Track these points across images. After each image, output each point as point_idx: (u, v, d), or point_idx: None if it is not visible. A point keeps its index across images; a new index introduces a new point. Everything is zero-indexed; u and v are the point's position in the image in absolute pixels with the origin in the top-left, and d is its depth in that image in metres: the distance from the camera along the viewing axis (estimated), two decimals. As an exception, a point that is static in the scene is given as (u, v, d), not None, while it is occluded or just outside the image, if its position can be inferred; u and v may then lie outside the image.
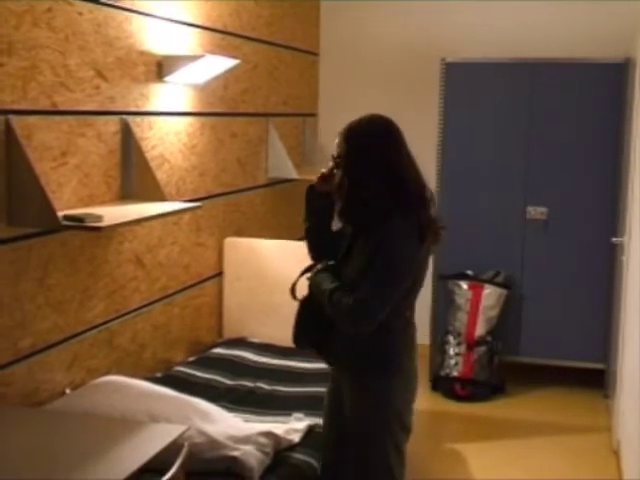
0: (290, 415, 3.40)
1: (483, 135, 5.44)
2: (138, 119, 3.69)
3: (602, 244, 5.21)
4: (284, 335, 4.37)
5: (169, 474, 2.22)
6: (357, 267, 2.70)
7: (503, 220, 5.45)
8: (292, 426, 3.24)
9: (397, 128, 2.79)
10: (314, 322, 2.84)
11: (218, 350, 4.21)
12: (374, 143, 2.72)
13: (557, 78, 5.30)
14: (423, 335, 5.53)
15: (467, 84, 5.42)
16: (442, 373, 5.29)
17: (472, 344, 5.26)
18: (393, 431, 2.79)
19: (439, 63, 5.41)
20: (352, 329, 2.69)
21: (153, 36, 3.76)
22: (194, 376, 3.82)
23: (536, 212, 5.38)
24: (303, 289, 2.87)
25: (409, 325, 2.87)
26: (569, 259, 5.36)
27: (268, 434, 3.01)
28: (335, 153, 2.77)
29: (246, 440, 2.92)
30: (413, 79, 5.92)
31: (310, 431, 3.26)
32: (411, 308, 2.87)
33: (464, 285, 5.35)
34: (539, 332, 5.44)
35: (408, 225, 2.66)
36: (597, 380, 5.32)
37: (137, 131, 3.64)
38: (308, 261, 2.94)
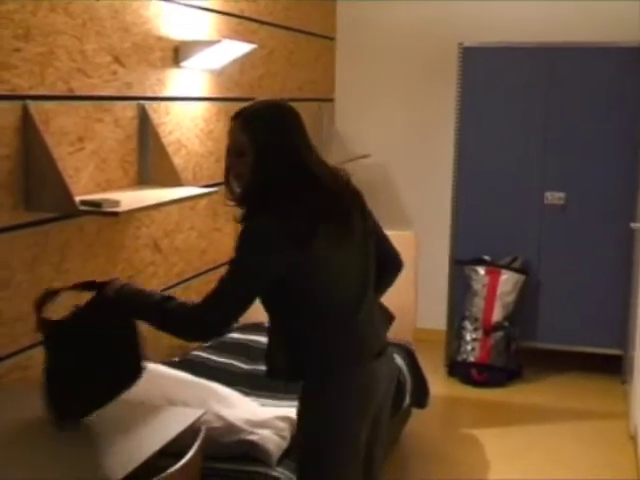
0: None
1: (501, 120, 5.41)
2: (155, 104, 3.69)
3: (620, 229, 5.17)
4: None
5: (186, 458, 2.23)
6: None
7: (521, 205, 5.42)
8: (309, 411, 3.24)
9: (297, 112, 2.49)
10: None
11: (234, 335, 4.22)
12: (279, 128, 2.43)
13: (576, 62, 5.26)
14: (440, 320, 5.60)
15: (485, 69, 5.39)
16: (459, 358, 5.29)
17: (489, 329, 5.25)
18: (330, 447, 2.41)
19: (456, 47, 5.38)
20: (188, 337, 2.52)
21: (170, 21, 3.76)
22: (211, 360, 3.83)
23: (554, 197, 5.35)
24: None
25: (339, 335, 2.41)
26: (587, 245, 5.34)
27: (285, 418, 3.01)
28: (231, 142, 2.51)
29: (264, 424, 2.92)
30: (430, 63, 5.89)
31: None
32: (337, 317, 2.42)
33: (481, 270, 5.33)
34: (556, 318, 5.42)
35: (276, 225, 2.32)
36: (614, 366, 5.30)
37: (154, 117, 3.64)
38: None
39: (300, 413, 2.46)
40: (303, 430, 2.46)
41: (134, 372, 2.54)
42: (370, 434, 2.50)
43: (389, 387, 2.59)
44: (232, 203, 2.52)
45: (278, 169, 2.40)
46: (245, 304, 2.36)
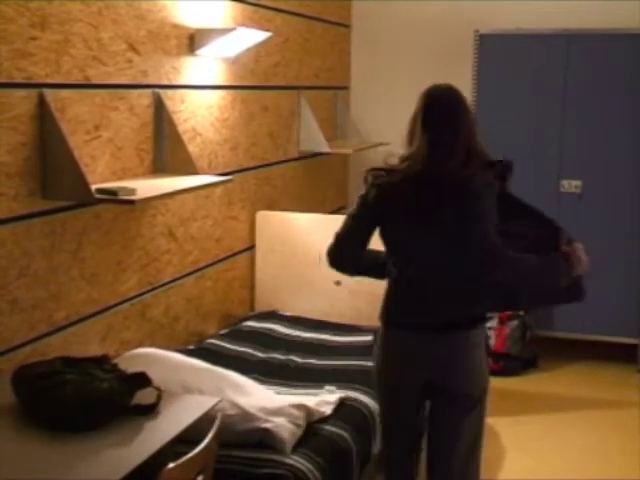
0: (322, 388, 3.42)
1: (517, 108, 5.38)
2: (170, 92, 3.69)
3: (637, 218, 5.14)
4: (315, 308, 4.40)
5: (202, 445, 2.24)
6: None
7: (536, 194, 5.35)
8: (324, 398, 3.25)
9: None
10: None
11: (250, 323, 4.23)
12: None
13: (593, 49, 5.22)
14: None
15: (501, 56, 5.36)
16: (474, 347, 5.28)
17: (504, 318, 5.24)
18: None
19: (472, 35, 5.35)
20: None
21: (185, 9, 3.75)
22: (226, 349, 3.84)
23: (570, 186, 5.32)
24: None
25: (398, 288, 2.81)
26: (603, 233, 5.30)
27: (300, 406, 3.02)
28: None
29: (278, 412, 2.93)
30: (446, 51, 5.86)
31: (342, 403, 3.27)
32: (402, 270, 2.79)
33: (496, 259, 5.31)
34: (572, 307, 5.34)
35: None
36: (630, 355, 5.29)
37: (169, 104, 3.64)
38: None
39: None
40: None
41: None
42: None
43: (447, 368, 2.77)
44: None
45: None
46: None
